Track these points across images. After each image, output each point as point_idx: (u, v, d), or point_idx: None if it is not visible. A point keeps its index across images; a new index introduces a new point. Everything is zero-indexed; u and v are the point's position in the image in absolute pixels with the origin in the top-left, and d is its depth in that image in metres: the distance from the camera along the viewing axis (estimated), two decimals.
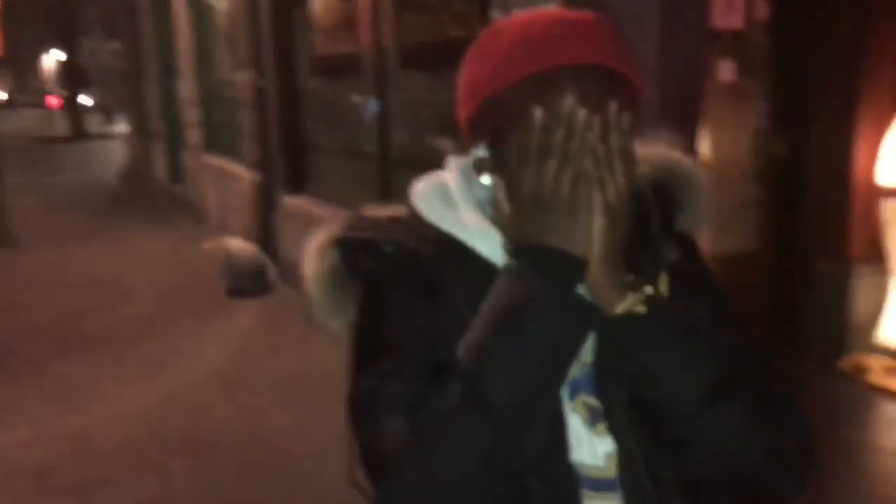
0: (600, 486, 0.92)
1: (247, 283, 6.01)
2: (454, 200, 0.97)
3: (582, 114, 0.84)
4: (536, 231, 0.86)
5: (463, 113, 0.95)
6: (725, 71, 4.40)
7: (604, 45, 0.89)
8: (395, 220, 1.00)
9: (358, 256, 0.98)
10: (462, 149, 0.98)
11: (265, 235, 6.64)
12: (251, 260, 6.11)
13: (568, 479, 0.90)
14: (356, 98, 5.57)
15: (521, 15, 0.94)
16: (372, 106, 5.27)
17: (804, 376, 3.71)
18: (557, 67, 0.87)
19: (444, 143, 4.41)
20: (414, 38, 4.60)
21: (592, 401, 0.93)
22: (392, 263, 0.95)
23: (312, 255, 1.02)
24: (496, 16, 3.59)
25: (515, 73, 0.88)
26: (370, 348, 0.96)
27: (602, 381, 0.92)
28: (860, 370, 3.62)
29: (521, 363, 0.84)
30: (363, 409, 0.93)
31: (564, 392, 0.91)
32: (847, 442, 3.24)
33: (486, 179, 0.93)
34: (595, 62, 0.87)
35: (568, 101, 0.85)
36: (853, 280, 3.81)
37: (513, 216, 0.89)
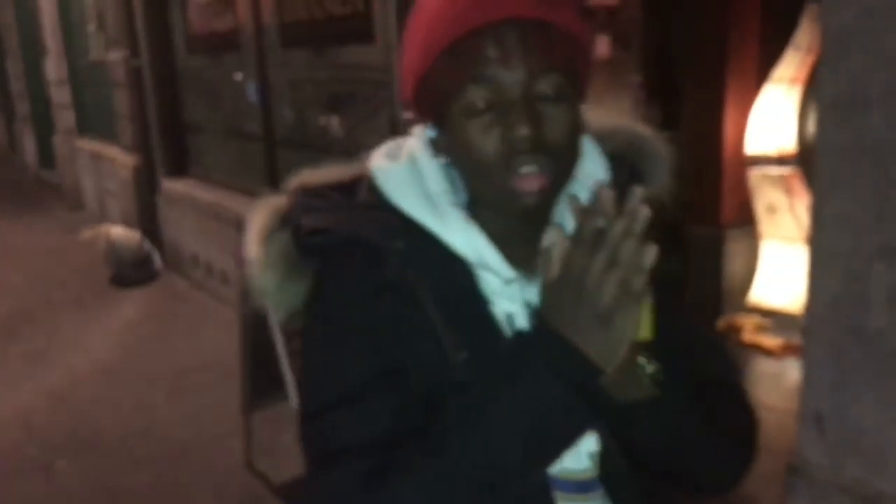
0: (584, 487, 0.90)
1: (131, 271, 5.79)
2: (428, 185, 0.89)
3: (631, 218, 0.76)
4: (569, 322, 0.78)
5: (404, 95, 0.92)
6: (602, 46, 4.53)
7: None
8: (350, 197, 0.91)
9: (313, 240, 0.88)
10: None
11: (147, 221, 6.41)
12: (134, 247, 5.88)
13: (544, 496, 0.87)
14: (237, 77, 5.42)
15: None
16: (251, 88, 5.14)
17: None
18: (472, 31, 0.82)
19: (331, 121, 4.36)
20: (295, 16, 4.51)
21: None
22: (353, 258, 0.86)
23: (257, 235, 0.92)
24: None
25: (436, 46, 0.84)
26: (326, 377, 0.86)
27: None
28: (734, 329, 3.84)
29: (517, 457, 0.80)
30: (317, 449, 0.85)
31: None
32: None
33: (441, 159, 0.90)
34: (513, 15, 0.81)
35: (633, 199, 0.77)
36: (726, 244, 4.03)
37: (552, 287, 0.79)
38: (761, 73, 3.82)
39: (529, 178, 0.83)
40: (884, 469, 1.99)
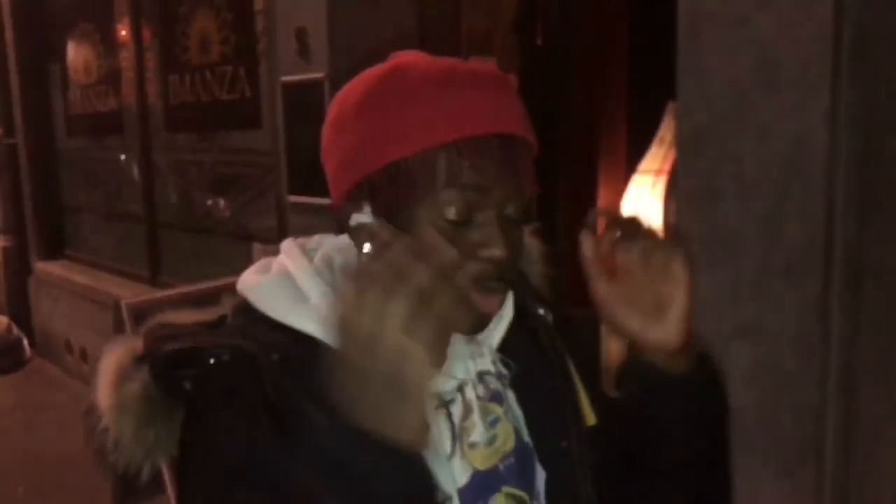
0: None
1: None
2: (302, 290, 0.80)
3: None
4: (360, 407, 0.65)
5: (352, 175, 0.80)
6: None
7: (516, 107, 0.81)
8: (215, 325, 0.83)
9: (177, 373, 0.77)
10: (342, 217, 0.83)
11: (17, 305, 6.09)
12: (3, 333, 5.56)
13: None
14: (120, 158, 5.33)
15: (421, 61, 0.83)
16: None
17: None
18: (474, 136, 0.77)
19: (217, 203, 4.33)
20: (181, 98, 4.51)
21: (519, 492, 0.84)
22: (225, 377, 0.75)
23: (109, 379, 0.80)
24: (265, 79, 3.63)
25: (426, 140, 0.76)
26: None
27: (528, 473, 0.86)
28: None
29: None
30: None
31: (473, 490, 0.80)
32: None
33: (367, 247, 0.80)
34: (512, 131, 0.79)
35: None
36: (602, 326, 4.19)
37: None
38: (630, 166, 4.08)
39: (492, 299, 0.79)
40: None
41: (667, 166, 3.86)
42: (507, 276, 0.80)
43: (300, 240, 0.89)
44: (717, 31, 2.02)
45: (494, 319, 0.87)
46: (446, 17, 3.53)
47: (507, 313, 0.89)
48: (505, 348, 0.89)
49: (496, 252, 0.78)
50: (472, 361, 0.85)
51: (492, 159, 0.77)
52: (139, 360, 0.81)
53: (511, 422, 0.87)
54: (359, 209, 0.81)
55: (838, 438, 1.99)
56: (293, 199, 3.40)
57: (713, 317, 2.11)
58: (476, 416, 0.83)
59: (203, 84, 4.26)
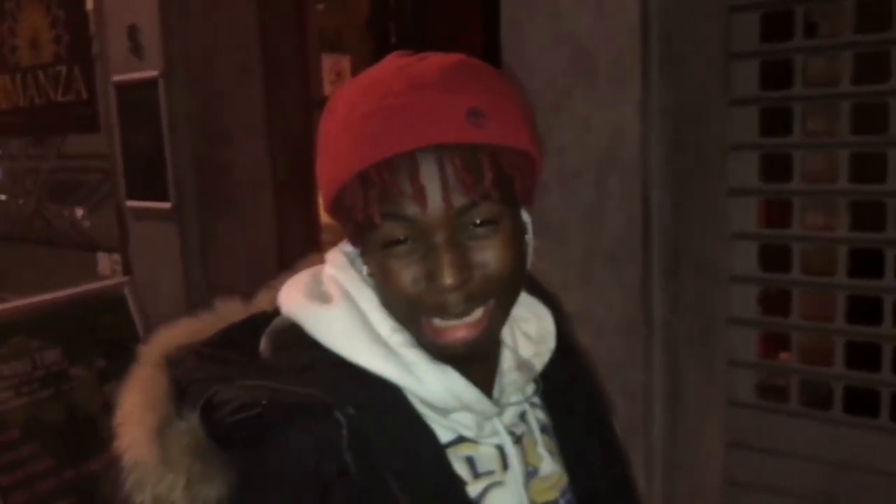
0: None
1: None
2: (376, 329, 0.73)
3: None
4: None
5: (323, 205, 0.77)
6: None
7: (448, 111, 0.69)
8: (250, 355, 0.74)
9: (236, 419, 0.66)
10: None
11: None
12: None
13: None
14: None
15: (384, 74, 0.73)
16: None
17: None
18: (385, 159, 0.68)
19: (55, 212, 4.09)
20: (11, 102, 4.24)
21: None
22: (296, 436, 0.66)
23: (145, 432, 0.69)
24: (101, 79, 3.46)
25: (345, 169, 0.70)
26: None
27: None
28: None
29: None
30: None
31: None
32: None
33: (365, 270, 0.76)
34: (434, 142, 0.67)
35: None
36: None
37: None
38: None
39: (453, 329, 0.71)
40: None
41: None
42: (476, 299, 0.70)
43: (346, 252, 0.80)
44: (538, 24, 2.06)
45: (534, 342, 0.81)
46: (291, 14, 3.46)
47: (548, 333, 0.83)
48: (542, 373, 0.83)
49: (444, 279, 0.68)
50: (522, 381, 0.80)
51: (415, 179, 0.67)
52: (176, 399, 0.70)
53: (558, 455, 0.82)
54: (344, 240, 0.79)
55: (665, 418, 2.07)
56: (132, 204, 3.25)
57: None
58: (541, 448, 0.80)
59: (36, 86, 4.01)
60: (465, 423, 0.73)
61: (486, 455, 0.74)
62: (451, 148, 0.68)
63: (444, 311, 0.69)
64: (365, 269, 0.75)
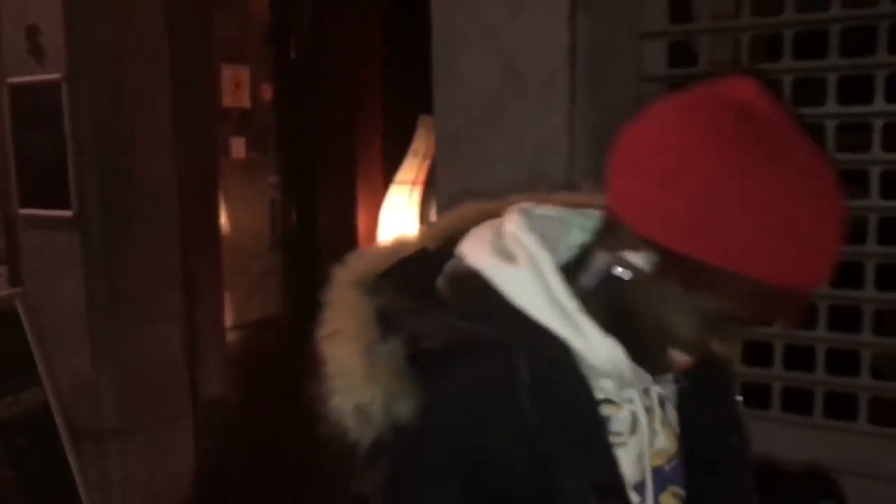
0: None
1: None
2: (555, 294, 0.78)
3: None
4: None
5: (667, 235, 0.73)
6: (237, 147, 4.63)
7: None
8: (430, 288, 0.81)
9: (440, 362, 0.74)
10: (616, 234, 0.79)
11: None
12: None
13: None
14: None
15: (801, 150, 0.71)
16: None
17: None
18: (805, 286, 0.72)
19: None
20: None
21: (681, 492, 0.88)
22: (484, 370, 0.74)
23: (354, 343, 0.77)
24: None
25: (760, 272, 0.70)
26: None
27: (688, 472, 0.90)
28: None
29: None
30: None
31: (649, 488, 0.84)
32: None
33: (626, 275, 0.77)
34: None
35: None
36: None
37: None
38: (386, 177, 4.20)
39: (685, 366, 0.82)
40: None
41: (421, 177, 4.03)
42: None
43: (530, 212, 0.85)
44: (470, 41, 2.16)
45: None
46: (197, 21, 3.42)
47: None
48: None
49: (724, 353, 0.79)
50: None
51: (793, 307, 0.74)
52: (380, 323, 0.77)
53: (674, 428, 0.89)
54: (639, 252, 0.75)
55: None
56: (26, 212, 3.10)
57: None
58: (658, 423, 0.86)
59: None
60: (607, 387, 0.81)
61: (622, 418, 0.82)
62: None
63: (701, 355, 0.79)
64: (623, 272, 0.77)
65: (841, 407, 2.03)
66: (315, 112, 4.22)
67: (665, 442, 0.86)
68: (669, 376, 0.88)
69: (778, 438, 2.19)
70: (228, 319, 4.94)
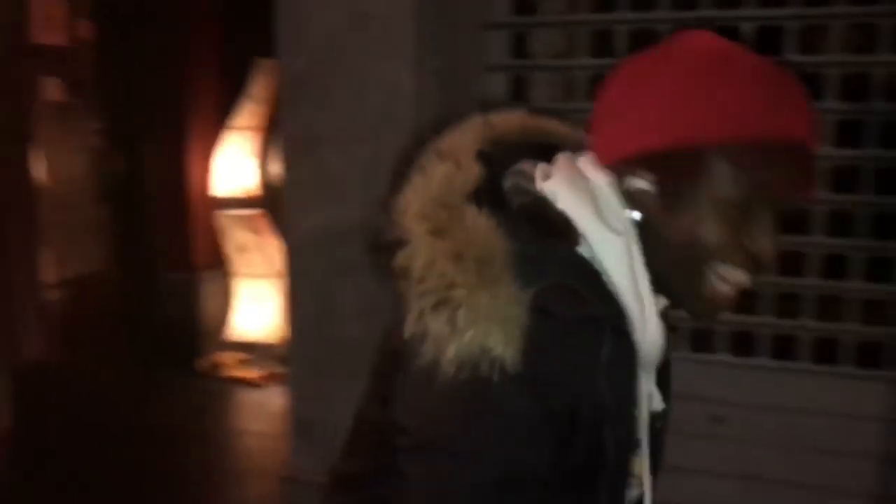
0: None
1: None
2: (636, 267, 0.79)
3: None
4: None
5: (648, 142, 0.76)
6: (53, 90, 4.27)
7: (819, 124, 0.79)
8: (547, 226, 0.78)
9: (559, 310, 0.73)
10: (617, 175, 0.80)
11: None
12: None
13: None
14: None
15: (739, 50, 0.78)
16: None
17: (167, 380, 3.89)
18: (789, 138, 0.75)
19: None
20: None
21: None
22: (585, 333, 0.74)
23: (484, 279, 0.72)
24: None
25: (741, 130, 0.74)
26: (503, 447, 0.73)
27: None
28: (217, 367, 3.95)
29: None
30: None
31: (645, 446, 0.86)
32: (215, 431, 3.52)
33: (636, 214, 0.79)
34: (816, 144, 0.77)
35: None
36: (201, 286, 4.12)
37: None
38: (220, 122, 4.02)
39: (735, 292, 0.80)
40: None
41: (260, 122, 3.90)
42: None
43: (607, 180, 0.81)
44: None
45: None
46: None
47: None
48: None
49: (765, 247, 0.77)
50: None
51: (798, 166, 0.75)
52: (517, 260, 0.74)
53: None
54: (638, 175, 0.78)
55: None
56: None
57: (321, 257, 2.22)
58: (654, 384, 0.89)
59: None
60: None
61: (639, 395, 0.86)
62: (814, 149, 0.77)
63: (745, 265, 0.78)
64: (632, 214, 0.79)
65: (786, 348, 2.15)
66: (140, 52, 3.94)
67: (658, 404, 0.90)
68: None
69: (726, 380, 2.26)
70: (47, 276, 4.61)
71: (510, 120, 0.89)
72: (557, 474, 0.76)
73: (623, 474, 0.83)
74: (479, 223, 0.75)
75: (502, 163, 0.83)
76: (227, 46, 3.98)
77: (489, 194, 0.79)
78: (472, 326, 0.71)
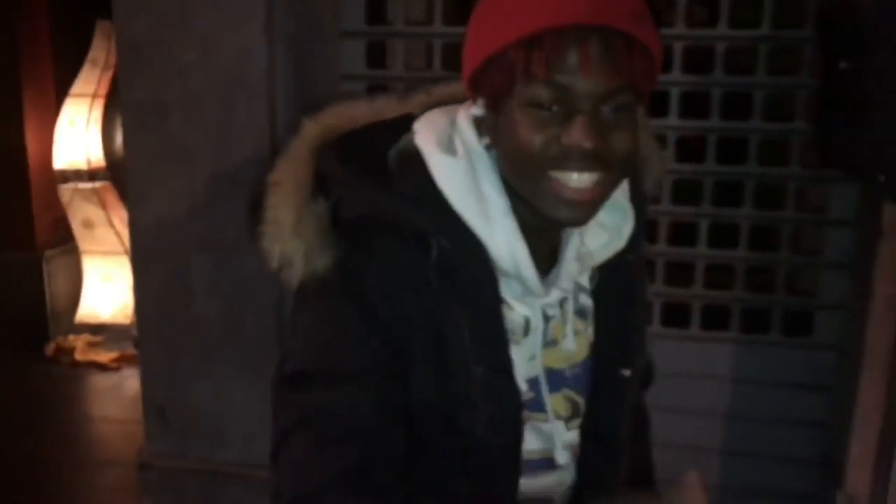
0: (536, 465, 0.91)
1: None
2: (481, 185, 0.84)
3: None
4: None
5: (465, 68, 0.83)
6: None
7: (623, 4, 0.77)
8: (382, 164, 0.87)
9: (359, 221, 0.83)
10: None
11: None
12: None
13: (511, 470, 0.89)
14: None
15: None
16: None
17: (12, 367, 3.62)
18: (559, 27, 0.75)
19: None
20: None
21: (576, 397, 0.93)
22: (400, 244, 0.82)
23: (291, 196, 0.84)
24: None
25: (515, 31, 0.76)
26: (332, 348, 0.83)
27: (586, 385, 0.94)
28: (65, 351, 3.71)
29: None
30: (298, 419, 0.82)
31: (542, 383, 0.90)
32: (67, 419, 3.31)
33: (484, 141, 0.85)
34: (605, 23, 0.75)
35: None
36: (46, 266, 3.85)
37: None
38: (60, 89, 3.75)
39: (581, 190, 0.79)
40: (223, 443, 2.19)
41: (103, 89, 3.65)
42: (601, 168, 0.79)
43: (470, 111, 0.86)
44: None
45: (610, 236, 0.91)
46: None
47: (623, 230, 0.92)
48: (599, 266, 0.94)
49: (584, 143, 0.76)
50: (577, 271, 0.91)
51: (578, 52, 0.75)
52: (316, 184, 0.85)
53: (587, 336, 0.94)
54: (474, 102, 0.85)
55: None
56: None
57: (171, 231, 2.10)
58: (569, 328, 0.91)
59: None
60: (511, 289, 0.87)
61: (513, 320, 0.88)
62: (616, 32, 0.76)
63: (569, 162, 0.78)
64: (485, 140, 0.85)
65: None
66: None
67: (573, 347, 0.92)
68: (587, 285, 0.94)
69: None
70: None
71: (456, 86, 0.92)
72: (398, 389, 0.82)
73: (497, 418, 0.85)
74: (301, 156, 0.87)
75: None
76: (64, 6, 3.70)
77: (359, 139, 0.88)
78: (278, 241, 0.83)
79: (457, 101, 0.91)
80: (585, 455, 0.94)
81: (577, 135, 0.77)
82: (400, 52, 2.32)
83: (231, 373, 2.15)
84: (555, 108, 0.77)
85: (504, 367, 0.85)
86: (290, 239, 0.83)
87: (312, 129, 0.90)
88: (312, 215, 0.84)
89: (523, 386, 0.87)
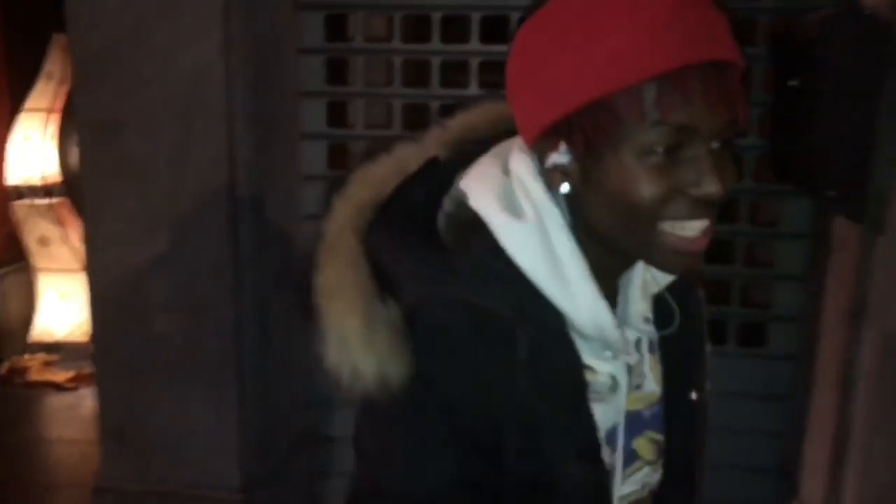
0: None
1: None
2: (556, 249, 0.76)
3: None
4: None
5: (541, 113, 0.73)
6: None
7: (724, 27, 0.72)
8: (430, 228, 0.78)
9: (440, 318, 0.75)
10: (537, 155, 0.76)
11: None
12: None
13: None
14: None
15: None
16: None
17: None
18: (677, 68, 0.68)
19: None
20: None
21: (659, 437, 0.88)
22: (481, 338, 0.74)
23: (356, 309, 0.75)
24: None
25: (626, 77, 0.69)
26: (418, 467, 0.76)
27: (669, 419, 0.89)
28: (20, 371, 3.63)
29: None
30: None
31: (619, 432, 0.83)
32: (21, 441, 3.23)
33: (565, 188, 0.75)
34: (717, 58, 0.70)
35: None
36: None
37: None
38: (14, 104, 3.69)
39: (695, 239, 0.73)
40: (182, 463, 2.15)
41: (59, 104, 3.60)
42: (713, 211, 0.74)
43: (526, 155, 0.78)
44: None
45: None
46: None
47: None
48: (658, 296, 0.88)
49: (709, 189, 0.71)
50: (647, 308, 0.86)
51: (703, 91, 0.69)
52: (378, 284, 0.76)
53: (659, 370, 0.88)
54: (555, 148, 0.74)
55: (254, 349, 2.16)
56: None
57: (127, 251, 2.08)
58: (646, 367, 0.86)
59: None
60: (592, 350, 0.80)
61: (600, 383, 0.81)
62: (726, 65, 0.71)
63: (692, 212, 0.72)
64: (562, 189, 0.76)
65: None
66: None
67: (655, 387, 0.87)
68: (650, 325, 0.88)
69: None
70: None
71: (471, 116, 0.88)
72: (488, 490, 0.76)
73: (584, 481, 0.80)
74: (348, 247, 0.78)
75: (455, 168, 0.81)
76: (17, 19, 3.64)
77: (399, 210, 0.79)
78: (347, 357, 0.75)
79: (475, 134, 0.85)
80: (661, 492, 0.90)
81: (711, 188, 0.71)
82: (360, 68, 2.33)
83: (190, 392, 2.12)
84: (660, 149, 0.70)
85: (593, 457, 0.80)
86: (363, 355, 0.74)
87: (346, 210, 0.80)
88: (384, 324, 0.75)
89: (605, 451, 0.82)
